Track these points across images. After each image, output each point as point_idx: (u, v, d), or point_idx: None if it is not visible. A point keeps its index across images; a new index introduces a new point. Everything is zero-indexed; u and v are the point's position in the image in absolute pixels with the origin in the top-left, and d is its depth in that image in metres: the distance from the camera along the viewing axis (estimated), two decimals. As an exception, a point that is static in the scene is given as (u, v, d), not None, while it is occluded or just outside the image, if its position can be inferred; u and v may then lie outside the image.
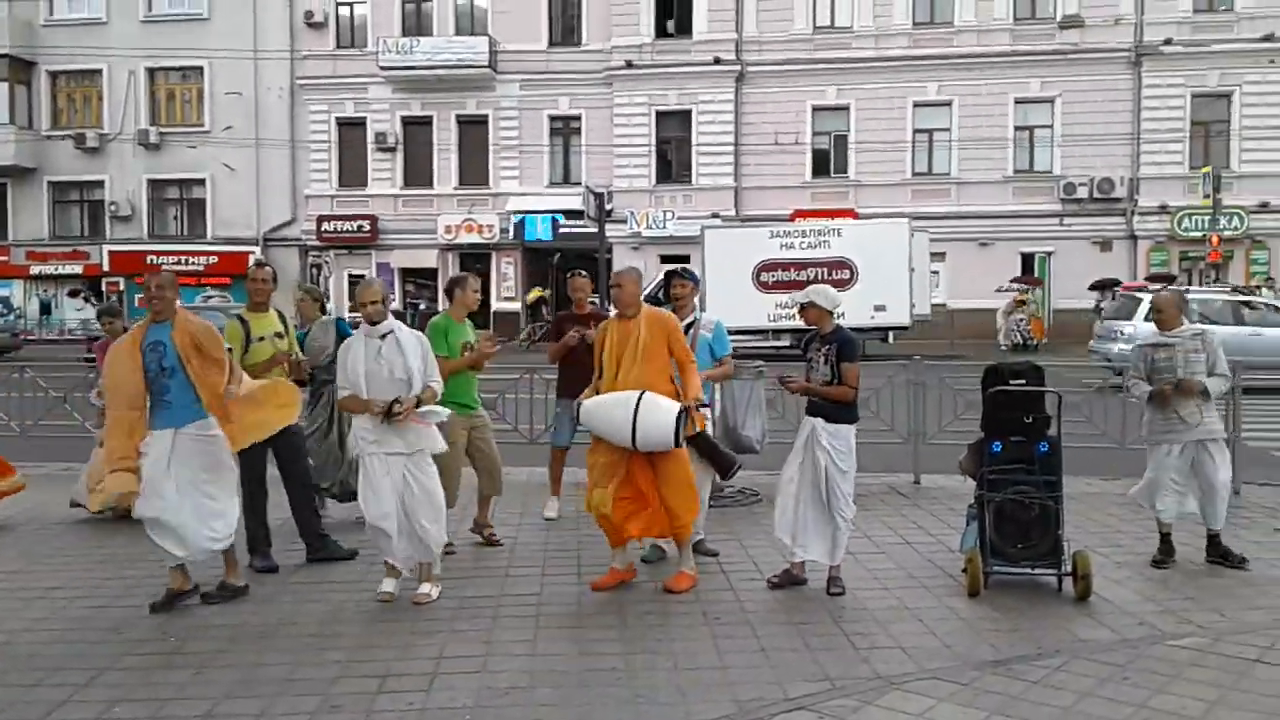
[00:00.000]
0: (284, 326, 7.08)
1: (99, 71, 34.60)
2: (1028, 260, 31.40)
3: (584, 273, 8.08)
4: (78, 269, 34.81)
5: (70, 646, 5.33)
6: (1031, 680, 4.71)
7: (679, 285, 7.25)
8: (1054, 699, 4.49)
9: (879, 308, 24.82)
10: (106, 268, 34.34)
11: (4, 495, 8.31)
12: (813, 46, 32.30)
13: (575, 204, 30.05)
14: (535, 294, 32.74)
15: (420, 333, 6.33)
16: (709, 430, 7.14)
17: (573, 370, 7.84)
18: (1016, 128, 31.72)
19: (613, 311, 6.52)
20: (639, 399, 5.92)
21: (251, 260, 32.53)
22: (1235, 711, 4.40)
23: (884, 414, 9.83)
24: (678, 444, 5.98)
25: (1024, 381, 6.18)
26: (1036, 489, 6.04)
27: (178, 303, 6.08)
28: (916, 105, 32.06)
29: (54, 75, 35.09)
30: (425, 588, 6.08)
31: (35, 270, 34.93)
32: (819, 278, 25.03)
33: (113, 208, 34.76)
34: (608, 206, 32.11)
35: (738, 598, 6.07)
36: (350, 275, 34.08)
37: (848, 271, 25.22)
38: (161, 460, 5.79)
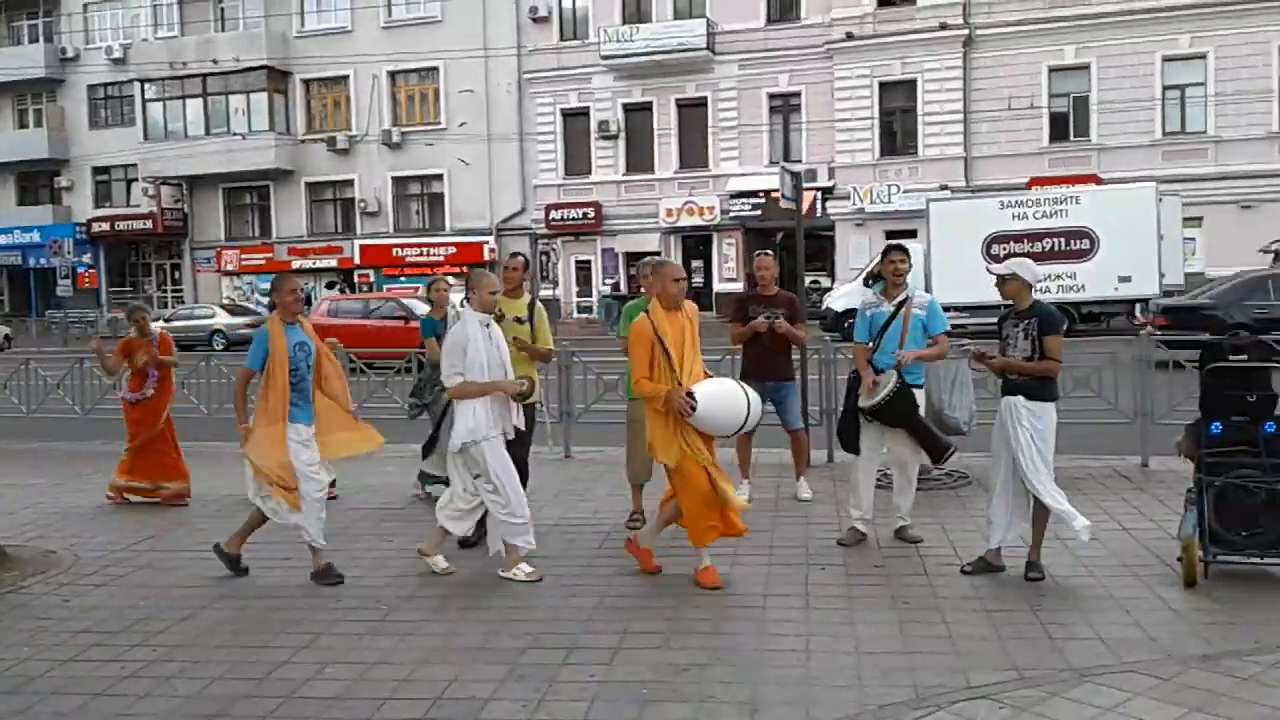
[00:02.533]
0: (530, 315, 7.08)
1: (346, 77, 37.10)
2: (1299, 222, 28.56)
3: (769, 253, 8.00)
4: (332, 263, 37.58)
5: (296, 613, 5.82)
6: (1242, 677, 4.36)
7: (900, 260, 6.94)
8: (1265, 698, 4.14)
9: (1124, 279, 23.31)
10: (358, 261, 36.89)
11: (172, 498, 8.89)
12: (1048, 3, 30.54)
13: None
14: None
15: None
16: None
17: (757, 353, 7.83)
18: (1283, 77, 28.92)
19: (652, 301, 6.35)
20: (744, 389, 6.06)
21: (486, 248, 34.28)
22: None
23: (1107, 393, 9.26)
24: None
25: (1245, 357, 5.69)
26: (1263, 472, 5.55)
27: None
28: (1166, 60, 29.78)
29: (307, 83, 37.93)
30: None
31: (296, 265, 37.91)
32: (1056, 249, 23.88)
33: (362, 204, 37.29)
34: (829, 183, 31.76)
35: (931, 583, 5.92)
36: (576, 261, 35.16)
37: (1087, 241, 23.83)
38: (312, 448, 6.34)
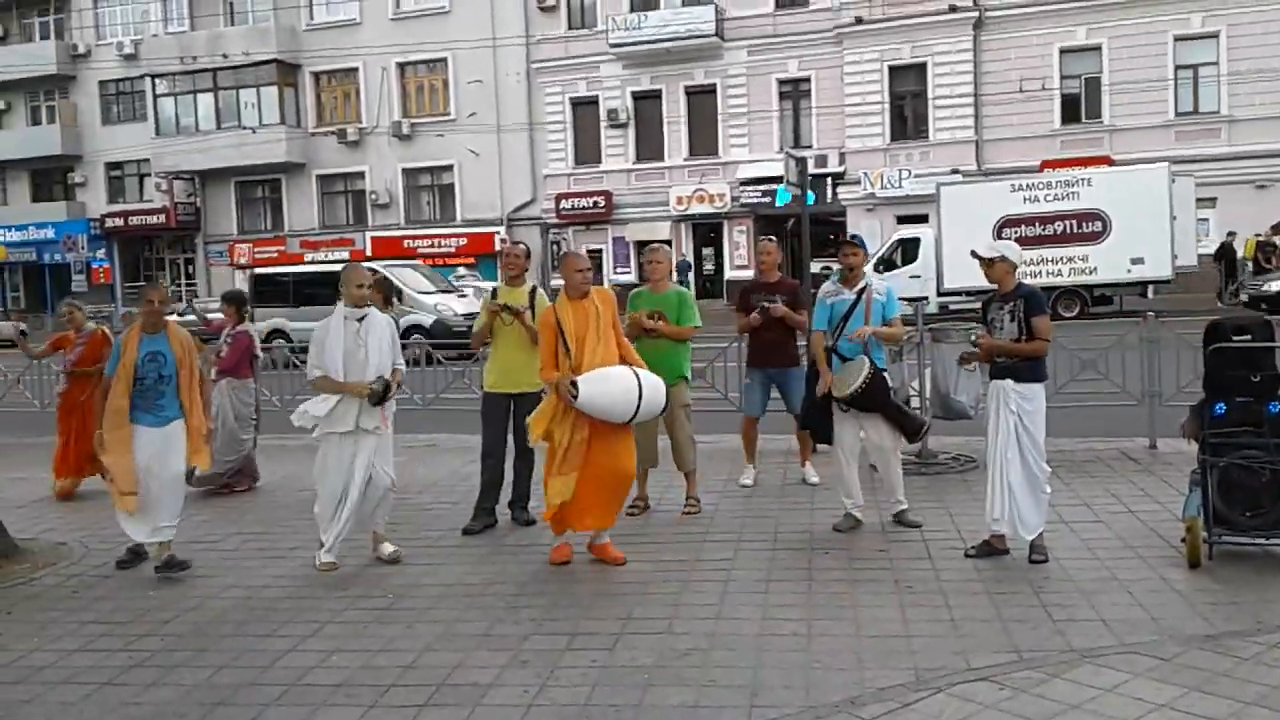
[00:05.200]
0: (531, 302, 7.13)
1: (355, 70, 37.12)
2: (1313, 202, 28.35)
3: (772, 239, 7.99)
4: (344, 255, 37.58)
5: (301, 601, 5.86)
6: (1242, 657, 4.35)
7: (852, 253, 7.00)
8: (1264, 677, 4.13)
9: (1136, 260, 23.24)
10: (369, 252, 36.93)
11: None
12: (1057, -16, 30.34)
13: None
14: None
15: (388, 317, 6.52)
16: (894, 392, 6.95)
17: (761, 340, 7.85)
18: (1298, 56, 28.64)
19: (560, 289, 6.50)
20: (637, 374, 6.06)
21: (497, 238, 34.40)
22: None
23: (1114, 375, 9.22)
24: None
25: (1249, 337, 5.65)
26: (1266, 453, 5.52)
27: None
28: (1177, 39, 29.51)
29: (316, 76, 37.96)
30: (388, 546, 6.54)
31: (308, 258, 38.01)
32: (1068, 231, 23.79)
33: (373, 196, 37.34)
34: (840, 168, 31.64)
35: (934, 566, 5.91)
36: (588, 250, 35.10)
37: (1099, 223, 23.71)
38: (157, 456, 6.36)
